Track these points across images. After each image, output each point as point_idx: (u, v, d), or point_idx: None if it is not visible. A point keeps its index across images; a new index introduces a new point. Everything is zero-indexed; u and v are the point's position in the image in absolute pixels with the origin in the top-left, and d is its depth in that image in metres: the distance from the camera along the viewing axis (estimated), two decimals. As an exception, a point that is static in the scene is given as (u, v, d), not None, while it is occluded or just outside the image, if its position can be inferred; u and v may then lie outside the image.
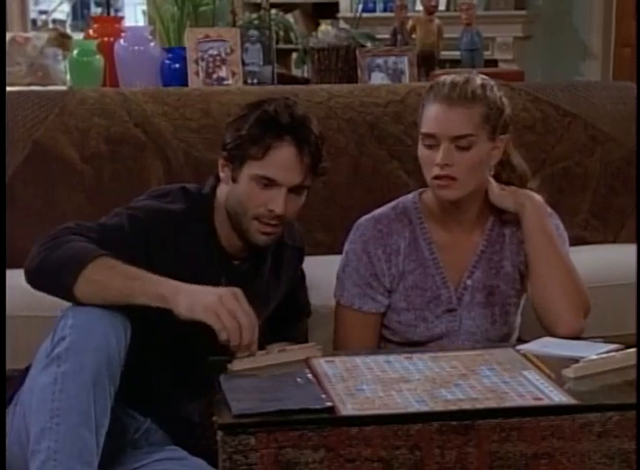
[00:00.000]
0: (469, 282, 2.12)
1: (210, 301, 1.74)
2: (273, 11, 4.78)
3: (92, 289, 1.79)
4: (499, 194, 2.09)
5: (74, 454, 1.71)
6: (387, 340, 2.16)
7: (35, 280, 1.89)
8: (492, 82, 2.08)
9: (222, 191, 2.03)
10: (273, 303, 2.15)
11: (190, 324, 1.95)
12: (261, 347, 2.20)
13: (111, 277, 1.79)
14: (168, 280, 1.80)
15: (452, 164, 1.99)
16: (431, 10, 4.15)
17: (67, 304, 2.12)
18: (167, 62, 3.36)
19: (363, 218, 2.16)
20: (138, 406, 2.00)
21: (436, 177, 2.01)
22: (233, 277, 2.00)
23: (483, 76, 2.09)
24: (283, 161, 1.95)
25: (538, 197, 2.10)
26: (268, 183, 1.95)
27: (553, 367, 1.75)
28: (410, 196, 2.19)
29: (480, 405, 1.59)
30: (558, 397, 1.62)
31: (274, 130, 1.94)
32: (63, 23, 8.56)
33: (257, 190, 1.95)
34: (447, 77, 2.05)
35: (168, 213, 1.98)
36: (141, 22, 7.01)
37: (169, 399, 2.02)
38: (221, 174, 2.03)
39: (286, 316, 2.22)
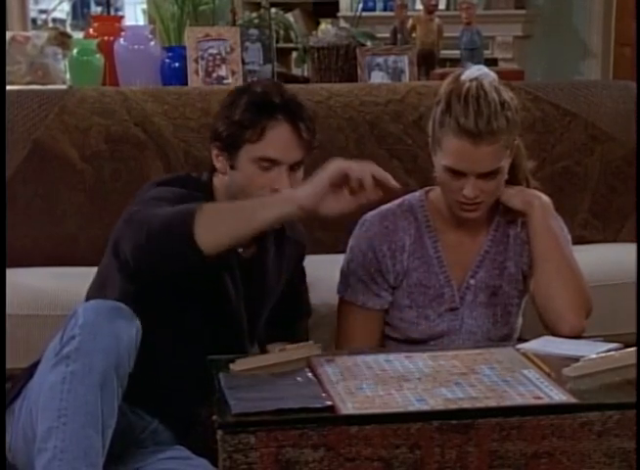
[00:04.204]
0: (472, 281, 2.12)
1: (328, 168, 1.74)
2: (273, 10, 4.77)
3: (214, 227, 1.74)
4: (507, 193, 2.09)
5: (80, 455, 1.71)
6: (387, 337, 2.16)
7: (150, 247, 1.77)
8: (502, 86, 2.02)
9: (220, 181, 2.04)
10: (275, 295, 2.15)
11: (200, 324, 1.96)
12: (261, 346, 2.21)
13: (226, 212, 1.77)
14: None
15: (480, 193, 1.99)
16: (431, 9, 4.14)
17: (66, 303, 2.13)
18: (167, 61, 3.36)
19: (369, 214, 2.16)
20: (146, 406, 2.00)
21: (463, 203, 2.01)
22: (238, 265, 2.01)
23: (492, 79, 2.02)
24: (280, 139, 1.94)
25: (546, 197, 2.10)
26: (269, 164, 1.94)
27: (553, 366, 1.75)
28: (417, 194, 2.18)
29: (480, 404, 1.59)
30: (558, 396, 1.62)
31: (267, 110, 1.94)
32: (63, 22, 8.55)
33: (258, 172, 1.95)
34: (465, 100, 1.94)
35: (194, 199, 1.96)
36: (141, 21, 6.99)
37: (178, 399, 2.02)
38: (217, 164, 2.02)
39: (286, 315, 2.22)
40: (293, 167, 1.96)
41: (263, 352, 2.15)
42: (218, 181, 2.04)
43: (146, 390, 1.92)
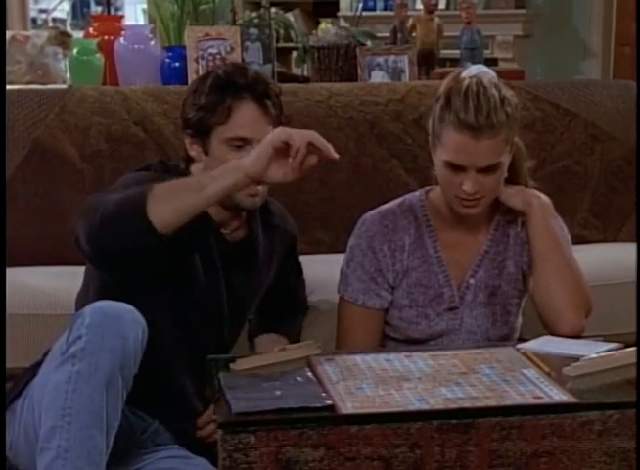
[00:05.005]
0: (471, 281, 2.12)
1: (271, 135, 1.75)
2: (273, 9, 4.78)
3: (165, 204, 1.74)
4: (507, 192, 2.09)
5: (84, 455, 1.71)
6: (387, 336, 2.16)
7: (104, 230, 1.77)
8: (501, 84, 2.03)
9: (197, 168, 2.04)
10: (264, 285, 2.16)
11: (202, 324, 1.94)
12: (250, 341, 2.21)
13: (176, 187, 1.77)
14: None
15: (480, 188, 1.99)
16: (431, 8, 4.14)
17: (66, 303, 2.12)
18: (167, 60, 3.36)
19: (369, 214, 2.16)
20: (147, 408, 2.00)
21: (463, 198, 2.01)
22: (221, 247, 2.02)
23: (492, 77, 2.03)
24: (247, 117, 1.96)
25: (545, 197, 2.10)
26: (240, 144, 1.95)
27: (553, 366, 1.75)
28: (417, 193, 2.18)
29: (480, 404, 1.59)
30: (558, 395, 1.62)
31: (231, 91, 1.96)
32: (63, 21, 8.55)
33: (231, 153, 1.96)
34: (465, 95, 1.95)
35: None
36: (141, 20, 6.99)
37: (180, 401, 2.02)
38: (192, 153, 2.03)
39: (282, 311, 2.22)
40: None
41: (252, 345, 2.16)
42: (195, 169, 2.04)
43: (148, 391, 1.92)
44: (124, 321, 1.77)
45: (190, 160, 2.05)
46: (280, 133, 1.74)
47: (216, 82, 1.98)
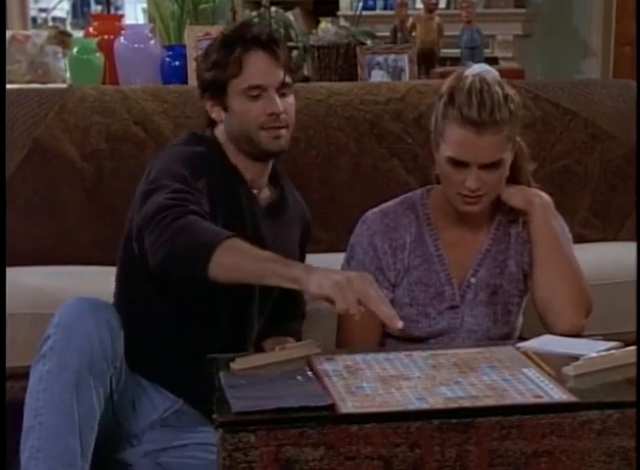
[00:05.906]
0: (472, 280, 2.12)
1: (339, 278, 1.68)
2: (273, 8, 4.77)
3: (225, 271, 1.75)
4: (508, 191, 2.09)
5: (57, 455, 1.72)
6: (387, 335, 2.16)
7: (165, 269, 1.81)
8: (504, 82, 2.04)
9: (220, 131, 2.08)
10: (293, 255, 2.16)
11: (224, 304, 1.99)
12: (256, 343, 2.20)
13: (241, 260, 1.76)
14: (298, 262, 1.84)
15: (482, 185, 2.00)
16: (431, 8, 4.14)
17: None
18: (167, 59, 3.36)
19: (370, 212, 2.17)
20: (171, 386, 2.02)
21: (465, 195, 2.02)
22: (264, 213, 2.06)
23: (495, 75, 2.04)
24: (259, 65, 2.01)
25: (547, 196, 2.11)
26: (257, 92, 2.00)
27: (553, 365, 1.75)
28: (418, 192, 2.19)
29: (480, 403, 1.59)
30: (558, 394, 1.62)
31: (239, 45, 2.02)
32: (63, 20, 8.57)
33: (250, 104, 2.01)
34: (469, 92, 1.97)
35: (199, 156, 2.01)
36: (141, 19, 6.99)
37: (205, 380, 2.02)
38: (213, 115, 2.08)
39: (280, 314, 2.22)
40: (281, 91, 2.02)
41: (258, 349, 2.15)
42: (220, 133, 2.09)
43: (172, 370, 1.95)
44: (92, 319, 1.79)
45: (213, 124, 2.09)
46: (329, 289, 1.67)
47: (224, 40, 2.05)
